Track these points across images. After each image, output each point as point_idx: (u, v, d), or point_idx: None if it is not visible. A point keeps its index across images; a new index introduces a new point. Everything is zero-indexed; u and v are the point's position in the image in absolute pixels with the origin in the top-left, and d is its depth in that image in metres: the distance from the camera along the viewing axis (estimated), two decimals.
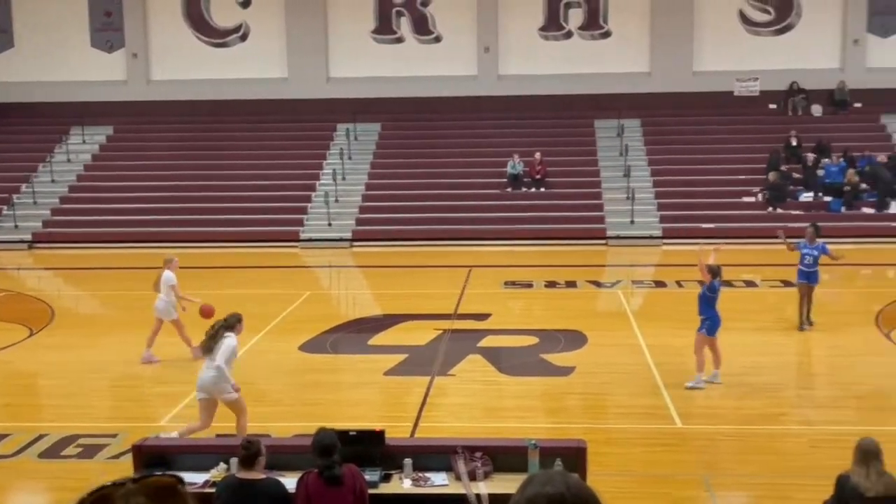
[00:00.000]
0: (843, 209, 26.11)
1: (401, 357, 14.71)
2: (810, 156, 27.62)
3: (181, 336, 14.66)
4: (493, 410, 12.53)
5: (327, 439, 6.88)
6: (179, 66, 32.00)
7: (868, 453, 6.78)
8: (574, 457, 7.74)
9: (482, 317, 17.44)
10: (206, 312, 12.70)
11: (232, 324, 10.50)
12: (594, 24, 31.22)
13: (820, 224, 24.50)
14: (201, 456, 8.05)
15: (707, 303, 13.11)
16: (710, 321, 13.03)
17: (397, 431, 10.63)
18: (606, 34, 31.22)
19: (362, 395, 13.12)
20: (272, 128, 30.97)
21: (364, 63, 31.58)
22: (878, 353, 14.79)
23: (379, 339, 16.10)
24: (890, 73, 30.01)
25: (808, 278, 16.22)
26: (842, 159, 27.29)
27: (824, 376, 14.16)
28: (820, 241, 16.40)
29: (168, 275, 14.59)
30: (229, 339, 10.36)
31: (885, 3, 30.34)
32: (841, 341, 15.82)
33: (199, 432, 10.41)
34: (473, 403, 12.83)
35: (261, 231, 26.49)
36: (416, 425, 11.70)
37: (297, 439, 8.76)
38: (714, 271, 13.12)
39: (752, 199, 26.67)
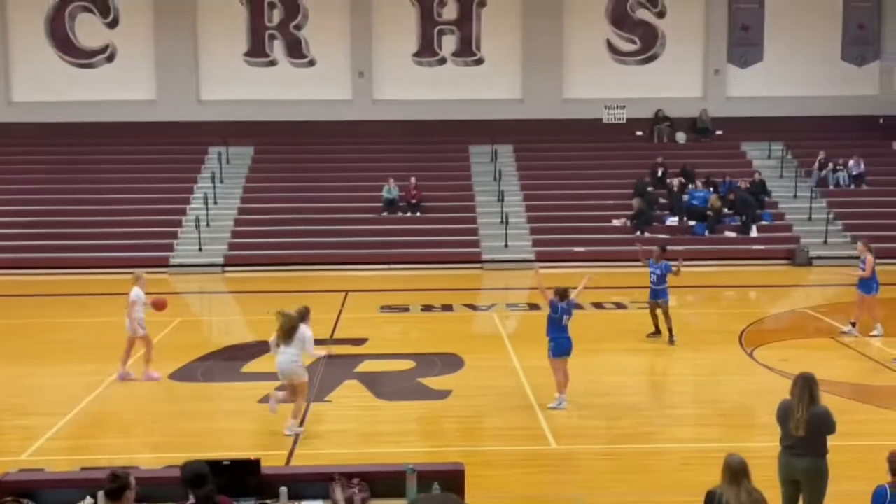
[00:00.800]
0: (706, 233, 27.04)
1: (275, 384, 14.44)
2: (675, 181, 28.54)
3: (125, 353, 14.65)
4: (370, 436, 12.43)
5: (198, 469, 6.67)
6: (42, 87, 30.91)
7: (737, 472, 6.98)
8: (452, 480, 7.72)
9: (359, 342, 17.33)
10: (158, 305, 13.81)
11: (304, 315, 12.12)
12: (467, 50, 31.62)
13: (685, 247, 25.36)
14: (66, 490, 7.70)
15: (552, 324, 13.28)
16: (554, 343, 13.19)
17: (273, 460, 10.42)
18: (479, 61, 31.65)
19: (236, 424, 12.83)
20: (141, 150, 30.20)
21: (236, 85, 31.16)
22: (741, 372, 15.30)
23: (253, 365, 15.78)
24: (749, 102, 31.36)
25: (655, 296, 16.78)
26: (706, 185, 28.29)
27: (691, 395, 14.56)
28: (664, 261, 16.84)
29: (135, 292, 14.60)
30: (305, 328, 12.00)
31: (743, 35, 31.73)
32: (706, 360, 16.32)
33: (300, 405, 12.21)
34: (350, 429, 12.71)
35: (129, 257, 25.70)
36: (291, 453, 11.51)
37: (168, 471, 8.48)
38: (560, 293, 13.30)
39: (621, 223, 27.37)
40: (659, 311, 16.94)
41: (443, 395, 13.95)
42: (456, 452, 11.13)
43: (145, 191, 28.65)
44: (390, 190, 28.07)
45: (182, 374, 15.17)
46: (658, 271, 16.74)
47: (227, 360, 16.30)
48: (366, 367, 15.56)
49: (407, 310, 20.67)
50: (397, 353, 16.51)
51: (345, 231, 27.12)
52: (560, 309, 13.25)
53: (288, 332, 11.93)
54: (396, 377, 15.04)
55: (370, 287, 23.34)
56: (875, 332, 17.17)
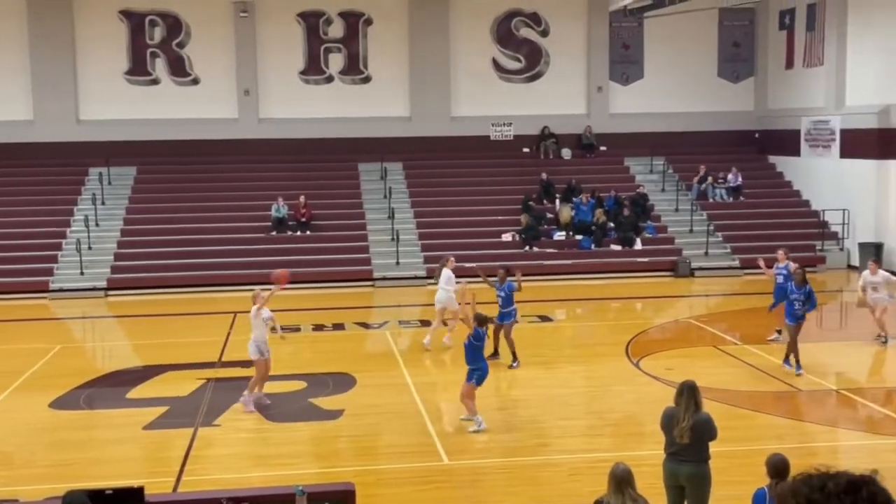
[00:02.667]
0: (592, 246, 27.56)
1: (161, 409, 14.12)
2: (562, 196, 29.02)
3: (255, 382, 14.14)
4: (261, 459, 12.24)
5: (78, 499, 6.44)
6: None
7: (621, 481, 7.12)
8: (342, 500, 7.66)
9: (248, 364, 17.02)
10: (280, 278, 13.68)
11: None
12: (355, 68, 31.60)
13: (573, 261, 25.82)
14: None
15: (475, 352, 13.03)
16: (479, 371, 12.95)
17: (159, 487, 10.15)
18: (367, 79, 31.66)
19: (121, 452, 12.46)
20: (18, 173, 29.16)
21: (117, 105, 30.40)
22: (629, 382, 15.62)
23: (138, 391, 15.39)
24: (630, 119, 32.15)
25: (500, 318, 16.32)
26: (591, 199, 28.84)
27: (581, 406, 14.79)
28: (509, 281, 16.65)
29: (263, 312, 14.28)
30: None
31: (624, 53, 32.55)
32: (596, 372, 16.62)
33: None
34: (240, 453, 12.49)
35: (6, 282, 24.78)
36: (178, 480, 11.24)
37: (49, 503, 8.18)
38: (480, 319, 13.22)
39: (510, 239, 27.69)
40: (501, 334, 16.44)
41: (335, 414, 13.84)
42: (348, 472, 11.05)
43: (23, 213, 27.67)
44: (279, 209, 27.78)
45: (63, 402, 14.67)
46: (503, 293, 16.44)
47: (112, 387, 15.84)
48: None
49: (298, 329, 20.44)
50: (288, 373, 16.30)
51: (232, 251, 26.69)
52: (483, 336, 13.02)
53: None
54: (287, 398, 14.86)
55: None
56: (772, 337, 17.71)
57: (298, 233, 27.69)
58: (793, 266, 17.43)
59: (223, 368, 16.78)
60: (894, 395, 14.76)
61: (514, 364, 16.28)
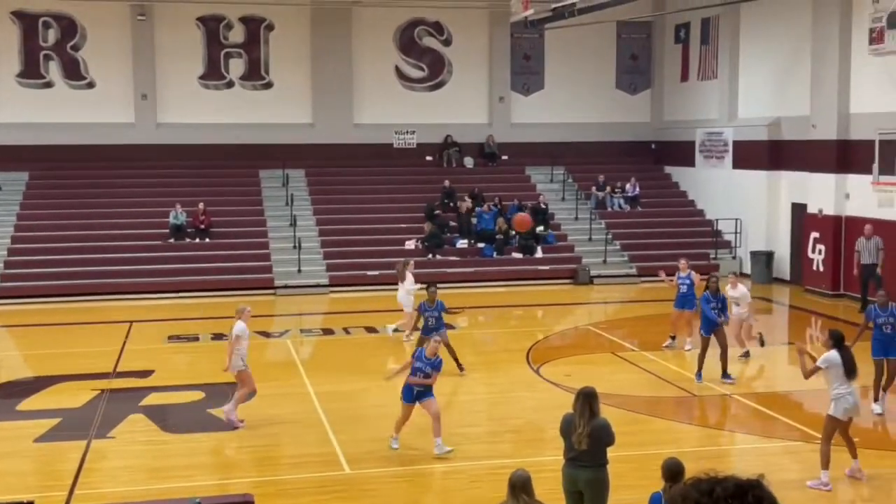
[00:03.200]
0: (494, 254, 27.79)
1: (53, 421, 13.70)
2: (464, 205, 29.20)
3: (240, 396, 13.45)
4: (157, 471, 11.98)
5: None
6: None
7: (516, 486, 7.20)
8: None
9: (144, 374, 16.69)
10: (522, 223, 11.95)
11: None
12: (256, 74, 31.24)
13: (475, 269, 26.01)
14: None
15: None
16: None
17: (51, 501, 9.85)
18: (269, 85, 31.34)
19: (10, 466, 12.05)
20: None
21: (8, 108, 29.40)
22: (530, 389, 15.79)
23: (29, 403, 14.91)
24: (532, 129, 32.55)
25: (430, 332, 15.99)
26: (493, 208, 29.09)
27: (483, 413, 14.89)
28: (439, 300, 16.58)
29: (238, 326, 13.54)
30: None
31: (525, 64, 32.94)
32: (497, 379, 16.75)
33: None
34: (135, 465, 12.20)
35: None
36: (71, 493, 10.92)
37: None
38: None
39: (413, 246, 27.72)
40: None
41: (234, 425, 13.61)
42: (247, 483, 10.91)
43: None
44: (177, 216, 27.26)
45: None
46: (436, 313, 16.42)
47: (1, 398, 15.30)
48: (152, 399, 15.00)
49: (196, 339, 20.09)
50: (186, 384, 16.02)
51: (129, 259, 26.10)
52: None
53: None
54: (185, 409, 14.59)
55: (157, 317, 22.51)
56: (688, 347, 17.86)
57: (197, 240, 27.22)
58: (695, 275, 17.82)
59: (118, 379, 16.37)
60: (784, 399, 15.24)
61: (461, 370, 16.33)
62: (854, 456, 11.24)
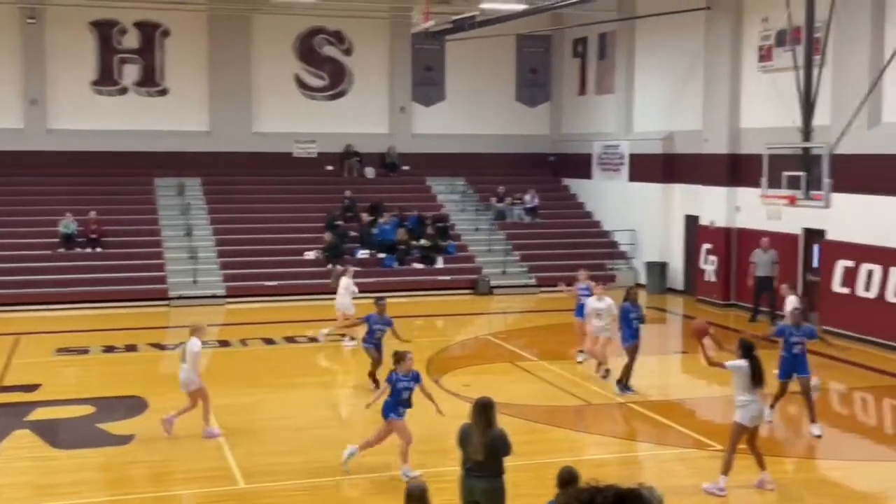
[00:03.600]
0: (395, 265, 27.74)
1: None
2: (365, 215, 29.09)
3: (204, 411, 13.44)
4: (44, 488, 11.55)
5: None
6: None
7: (411, 498, 7.17)
8: None
9: (31, 388, 16.10)
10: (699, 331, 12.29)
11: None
12: (150, 80, 30.57)
13: (376, 279, 25.90)
14: None
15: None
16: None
17: None
18: (164, 91, 30.70)
19: None
20: None
21: None
22: (425, 400, 15.71)
23: None
24: (432, 139, 32.65)
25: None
26: (394, 218, 29.05)
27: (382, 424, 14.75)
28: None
29: (194, 343, 13.50)
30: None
31: (426, 75, 33.04)
32: None
33: None
34: (21, 483, 11.75)
35: None
36: None
37: None
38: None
39: (313, 257, 27.47)
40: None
41: (125, 440, 13.25)
42: (139, 499, 10.62)
43: None
44: (68, 225, 26.44)
45: None
46: (385, 328, 16.33)
47: None
48: (39, 414, 14.48)
49: (86, 352, 19.50)
50: (75, 398, 15.51)
51: (16, 269, 25.19)
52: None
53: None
54: (74, 424, 14.13)
55: (45, 329, 21.77)
56: (580, 359, 17.90)
57: (88, 250, 26.44)
58: (594, 286, 17.98)
59: (3, 394, 15.77)
60: (678, 407, 15.55)
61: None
62: (762, 467, 11.42)
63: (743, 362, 11.30)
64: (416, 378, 12.20)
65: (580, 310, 17.93)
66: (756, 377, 11.25)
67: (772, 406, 13.77)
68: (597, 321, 16.68)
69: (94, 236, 26.56)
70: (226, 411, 14.66)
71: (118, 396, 15.59)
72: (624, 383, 15.77)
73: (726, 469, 11.28)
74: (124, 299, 24.61)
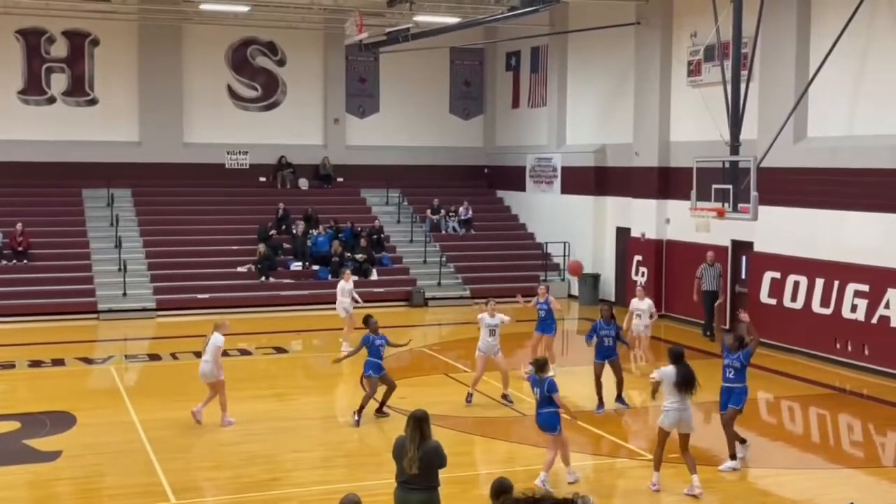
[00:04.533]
0: (329, 277, 27.58)
1: None
2: (299, 227, 28.90)
3: (221, 401, 14.52)
4: None
5: None
6: None
7: None
8: None
9: None
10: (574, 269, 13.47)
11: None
12: (80, 90, 30.04)
13: (309, 291, 25.77)
14: None
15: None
16: None
17: None
18: (93, 101, 30.18)
19: None
20: None
21: None
22: (364, 411, 15.67)
23: None
24: (366, 151, 32.61)
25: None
26: (328, 230, 28.90)
27: (316, 437, 14.67)
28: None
29: (217, 338, 14.58)
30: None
31: (360, 86, 33.00)
32: (330, 403, 16.58)
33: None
34: None
35: None
36: None
37: None
38: None
39: (246, 269, 27.19)
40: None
41: (52, 456, 12.96)
42: None
43: None
44: None
45: None
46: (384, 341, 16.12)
47: None
48: None
49: (13, 366, 19.04)
50: (0, 413, 15.11)
51: None
52: None
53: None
54: None
55: None
56: (525, 371, 17.79)
57: (14, 262, 25.84)
58: (553, 300, 18.06)
59: None
60: (613, 417, 15.68)
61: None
62: (692, 471, 11.66)
63: (670, 368, 11.65)
64: (384, 338, 15.18)
65: (539, 325, 18.04)
66: (684, 384, 11.51)
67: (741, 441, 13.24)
68: (637, 321, 18.24)
69: (20, 248, 25.98)
70: (156, 426, 14.43)
71: (45, 412, 15.23)
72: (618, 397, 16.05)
73: (656, 466, 11.84)
74: (52, 312, 24.10)
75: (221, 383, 14.61)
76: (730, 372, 12.90)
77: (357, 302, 21.27)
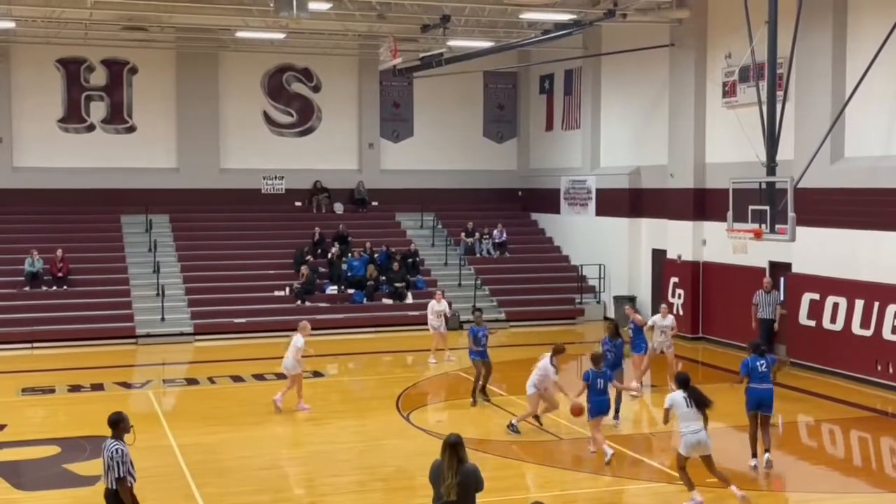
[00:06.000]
0: (364, 300, 27.67)
1: None
2: (334, 250, 29.05)
3: (298, 390, 17.13)
4: None
5: None
6: None
7: None
8: None
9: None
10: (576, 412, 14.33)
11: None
12: (118, 118, 30.50)
13: (345, 315, 25.87)
14: None
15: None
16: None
17: None
18: (132, 129, 30.63)
19: None
20: None
21: None
22: (400, 436, 15.68)
23: None
24: (401, 175, 32.77)
25: None
26: (363, 254, 29.02)
27: (352, 462, 14.66)
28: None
29: (298, 338, 17.04)
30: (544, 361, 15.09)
31: (394, 111, 33.21)
32: (366, 427, 16.58)
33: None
34: None
35: None
36: None
37: None
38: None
39: (283, 293, 27.34)
40: None
41: (92, 480, 12.99)
42: None
43: None
44: (33, 263, 26.18)
45: None
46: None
47: None
48: (2, 455, 14.25)
49: (53, 391, 19.25)
50: (40, 438, 15.29)
51: None
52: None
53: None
54: (39, 464, 13.91)
55: (10, 368, 21.51)
56: (633, 392, 18.02)
57: (55, 288, 26.18)
58: (639, 319, 18.45)
59: None
60: (648, 441, 15.55)
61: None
62: (728, 484, 11.83)
63: (678, 394, 11.89)
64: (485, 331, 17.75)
65: (635, 345, 18.32)
66: (697, 403, 11.74)
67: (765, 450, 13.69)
68: (662, 337, 18.38)
69: (60, 274, 26.32)
70: (194, 450, 14.51)
71: (84, 436, 15.36)
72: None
73: (688, 485, 11.91)
74: (91, 338, 24.37)
75: (299, 376, 17.09)
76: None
77: (446, 320, 23.11)
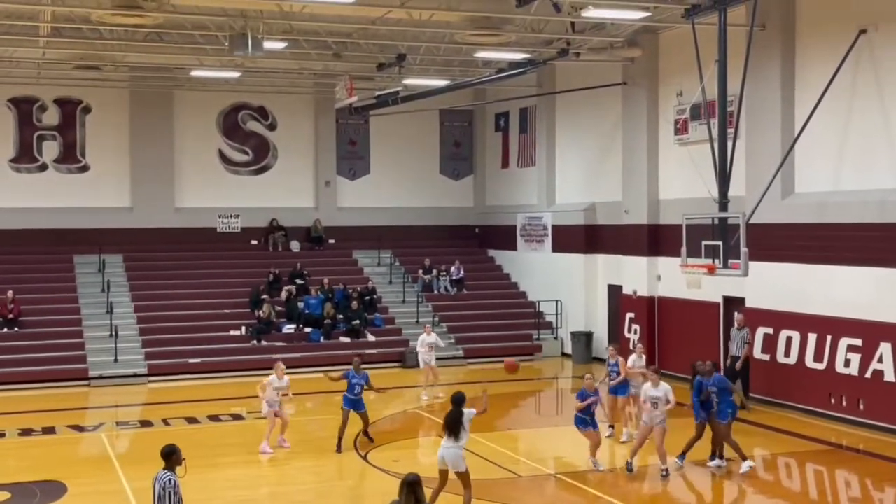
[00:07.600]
0: (322, 339, 27.50)
1: None
2: (291, 289, 28.88)
3: (282, 427, 17.25)
4: None
5: None
6: None
7: None
8: None
9: None
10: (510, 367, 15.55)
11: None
12: (71, 157, 30.23)
13: (301, 354, 25.70)
14: None
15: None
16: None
17: None
18: (84, 168, 30.37)
19: None
20: None
21: None
22: (357, 476, 15.56)
23: None
24: (358, 212, 32.77)
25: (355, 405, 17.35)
26: (320, 292, 28.87)
27: (308, 503, 14.50)
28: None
29: (273, 378, 17.12)
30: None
31: (350, 149, 33.26)
32: (324, 467, 16.42)
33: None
34: None
35: None
36: None
37: None
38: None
39: (239, 333, 27.10)
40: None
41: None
42: None
43: None
44: None
45: None
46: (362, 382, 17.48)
47: None
48: None
49: (3, 435, 18.85)
50: None
51: None
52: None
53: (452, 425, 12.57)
54: None
55: None
56: (624, 438, 17.70)
57: (5, 330, 25.73)
58: (622, 361, 18.08)
59: None
60: (608, 477, 15.55)
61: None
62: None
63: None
64: (365, 378, 17.26)
65: (612, 387, 17.98)
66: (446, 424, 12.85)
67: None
68: (655, 411, 15.10)
69: (11, 316, 25.88)
70: (148, 494, 14.18)
71: (35, 481, 15.05)
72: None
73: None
74: (43, 380, 23.97)
75: (274, 413, 17.06)
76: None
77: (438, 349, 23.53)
